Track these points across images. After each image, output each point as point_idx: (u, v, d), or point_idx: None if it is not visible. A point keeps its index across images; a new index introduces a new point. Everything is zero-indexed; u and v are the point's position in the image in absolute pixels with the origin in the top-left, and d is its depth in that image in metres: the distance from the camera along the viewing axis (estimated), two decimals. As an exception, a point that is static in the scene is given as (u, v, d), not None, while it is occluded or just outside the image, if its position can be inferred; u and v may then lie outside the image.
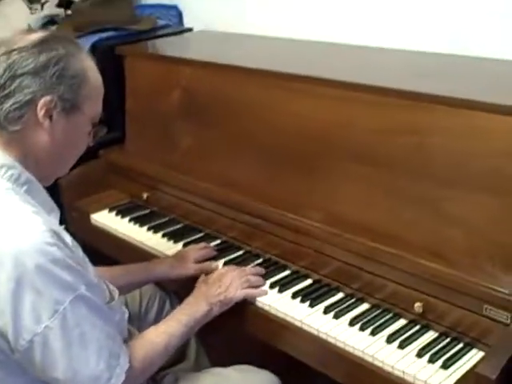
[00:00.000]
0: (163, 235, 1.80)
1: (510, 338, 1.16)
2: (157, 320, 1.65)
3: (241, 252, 1.68)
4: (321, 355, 1.37)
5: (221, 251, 1.69)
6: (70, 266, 1.10)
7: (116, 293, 1.31)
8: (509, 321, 1.19)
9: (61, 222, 1.25)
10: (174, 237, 1.78)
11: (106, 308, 1.21)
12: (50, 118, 1.16)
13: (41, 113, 1.15)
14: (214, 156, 1.82)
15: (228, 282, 1.45)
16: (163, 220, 1.89)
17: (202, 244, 1.71)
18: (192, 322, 1.36)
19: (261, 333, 1.48)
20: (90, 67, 1.22)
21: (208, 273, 1.55)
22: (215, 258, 1.65)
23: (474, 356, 1.24)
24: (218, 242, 1.74)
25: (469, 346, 1.27)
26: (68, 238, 1.16)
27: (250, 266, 1.58)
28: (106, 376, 1.13)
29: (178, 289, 1.67)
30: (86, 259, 1.24)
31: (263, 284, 1.51)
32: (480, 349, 1.25)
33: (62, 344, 1.08)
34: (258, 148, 1.69)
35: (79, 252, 1.20)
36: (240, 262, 1.62)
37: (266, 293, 1.48)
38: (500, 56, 1.67)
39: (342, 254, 1.46)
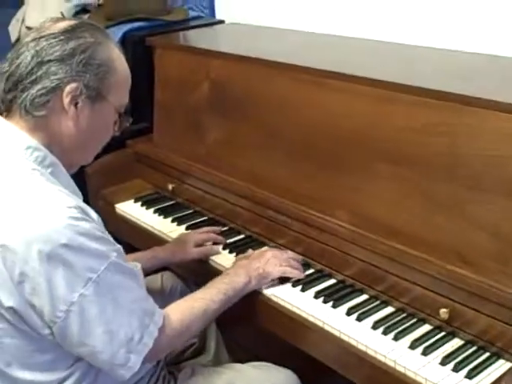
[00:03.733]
0: (187, 227, 1.79)
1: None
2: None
3: (265, 248, 1.66)
4: (341, 357, 1.34)
5: (243, 245, 1.67)
6: (99, 236, 1.12)
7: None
8: (539, 332, 1.16)
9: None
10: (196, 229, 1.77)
11: (133, 270, 1.21)
12: (76, 105, 1.17)
13: (66, 100, 1.15)
14: (241, 150, 1.80)
15: (268, 258, 1.47)
16: (187, 212, 1.89)
17: (205, 228, 1.72)
18: (231, 291, 1.37)
19: (282, 331, 1.46)
20: (117, 56, 1.22)
21: (209, 256, 1.62)
22: (239, 253, 1.64)
23: (501, 367, 1.20)
24: (242, 236, 1.73)
25: (495, 356, 1.23)
26: (94, 214, 1.17)
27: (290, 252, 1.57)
28: (137, 336, 1.14)
29: (188, 273, 1.70)
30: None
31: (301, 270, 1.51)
32: (507, 359, 1.22)
33: (98, 310, 1.10)
34: (286, 144, 1.67)
35: (102, 226, 1.21)
36: (263, 258, 1.61)
37: (304, 275, 1.49)
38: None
39: (367, 255, 1.44)
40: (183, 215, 1.87)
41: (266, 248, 1.60)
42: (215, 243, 1.68)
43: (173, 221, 1.84)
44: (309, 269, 1.55)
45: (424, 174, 1.39)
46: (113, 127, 1.26)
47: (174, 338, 1.25)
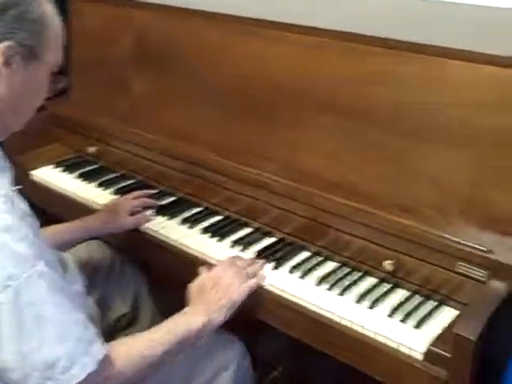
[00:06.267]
0: (114, 192, 1.69)
1: (488, 296, 1.11)
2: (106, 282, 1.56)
3: (199, 209, 1.59)
4: (286, 316, 1.30)
5: (176, 207, 1.59)
6: (25, 236, 0.97)
7: (69, 260, 1.19)
8: (485, 278, 1.15)
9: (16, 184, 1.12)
10: (125, 194, 1.65)
11: (69, 288, 1.07)
12: (9, 66, 1.03)
13: None
14: (167, 106, 1.70)
15: (227, 283, 1.28)
16: (113, 175, 1.78)
17: (136, 193, 1.62)
18: (185, 332, 1.19)
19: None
20: (50, 12, 1.09)
21: (142, 223, 1.52)
22: (172, 216, 1.55)
23: (447, 314, 1.20)
24: (174, 198, 1.64)
25: (441, 304, 1.22)
26: (23, 205, 1.03)
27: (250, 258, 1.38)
28: (62, 364, 0.98)
29: (118, 242, 1.58)
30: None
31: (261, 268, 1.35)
32: (452, 306, 1.21)
33: (13, 323, 0.95)
34: (215, 97, 1.59)
35: (34, 221, 1.05)
36: (198, 219, 1.54)
37: (264, 278, 1.32)
38: (479, 2, 1.62)
39: (306, 209, 1.39)
40: (109, 179, 1.75)
41: (216, 270, 1.32)
42: (147, 207, 1.59)
43: (98, 185, 1.72)
44: (247, 228, 1.49)
45: (360, 123, 1.36)
46: (46, 88, 1.13)
47: (118, 378, 1.07)
